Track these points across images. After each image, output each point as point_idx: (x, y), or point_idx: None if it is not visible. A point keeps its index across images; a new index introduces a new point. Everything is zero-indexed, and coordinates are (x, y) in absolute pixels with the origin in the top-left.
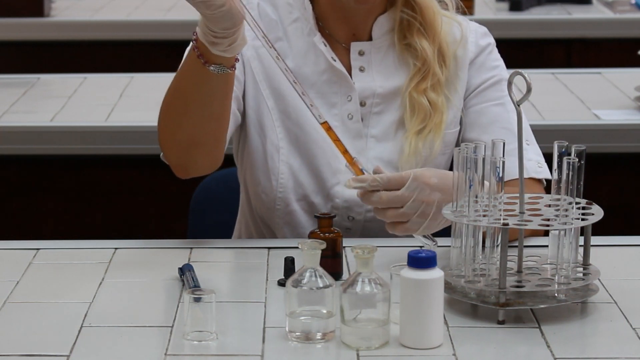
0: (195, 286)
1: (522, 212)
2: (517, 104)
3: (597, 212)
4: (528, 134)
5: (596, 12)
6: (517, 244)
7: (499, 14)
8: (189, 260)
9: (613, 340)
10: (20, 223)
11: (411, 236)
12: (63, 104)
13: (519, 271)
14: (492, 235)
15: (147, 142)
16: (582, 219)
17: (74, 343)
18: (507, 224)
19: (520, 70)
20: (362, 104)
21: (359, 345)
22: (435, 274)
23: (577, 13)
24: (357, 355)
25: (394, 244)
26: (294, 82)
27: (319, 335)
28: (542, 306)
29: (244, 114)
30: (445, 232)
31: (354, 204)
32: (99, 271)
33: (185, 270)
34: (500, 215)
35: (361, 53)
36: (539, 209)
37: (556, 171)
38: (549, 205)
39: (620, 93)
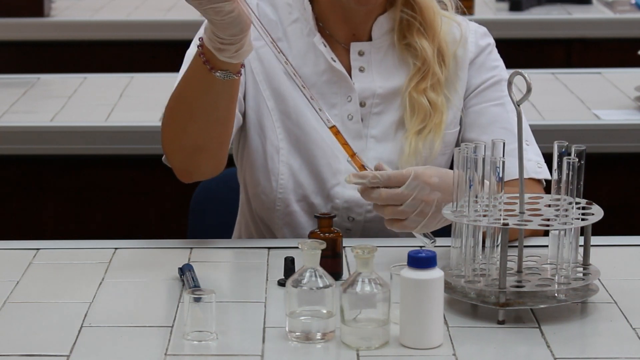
0: (195, 286)
1: (522, 212)
2: (517, 104)
3: (597, 212)
4: (528, 134)
5: (596, 12)
6: (517, 244)
7: (499, 14)
8: (189, 260)
9: (613, 340)
10: (20, 223)
11: (411, 234)
12: (63, 104)
13: (519, 271)
14: (492, 235)
15: (147, 142)
16: (582, 219)
17: (74, 343)
18: (507, 224)
19: (520, 70)
20: (362, 105)
21: (359, 345)
22: (435, 274)
23: (577, 13)
24: (357, 355)
25: (394, 244)
26: (302, 87)
27: (319, 335)
28: (542, 306)
29: (244, 115)
30: (445, 232)
31: (354, 204)
32: (99, 271)
33: (185, 270)
34: (500, 215)
35: (361, 53)
36: (539, 209)
37: (556, 171)
38: (549, 205)
39: (620, 93)
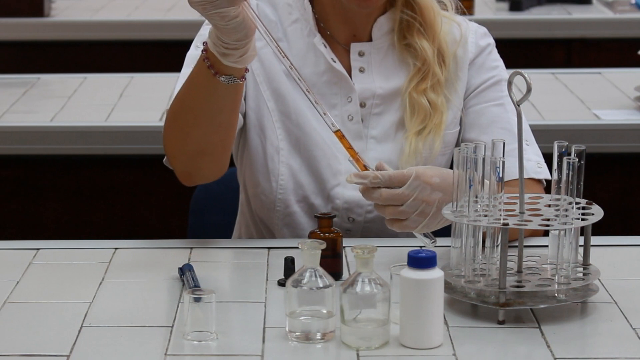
0: (195, 286)
1: (522, 212)
2: (517, 104)
3: (597, 212)
4: (528, 135)
5: (596, 12)
6: (517, 244)
7: (499, 14)
8: (189, 260)
9: (613, 340)
10: (20, 223)
11: (411, 234)
12: (63, 104)
13: (519, 271)
14: (492, 235)
15: (147, 142)
16: (582, 219)
17: (74, 343)
18: (507, 224)
19: (520, 70)
20: (362, 105)
21: (359, 345)
22: (435, 274)
23: (577, 13)
24: (357, 355)
25: (394, 244)
26: (307, 91)
27: (319, 335)
28: (542, 306)
29: (244, 115)
30: (445, 232)
31: (354, 205)
32: (99, 271)
33: (185, 270)
34: (500, 215)
35: (361, 54)
36: (539, 209)
37: (556, 171)
38: (549, 205)
39: (620, 93)
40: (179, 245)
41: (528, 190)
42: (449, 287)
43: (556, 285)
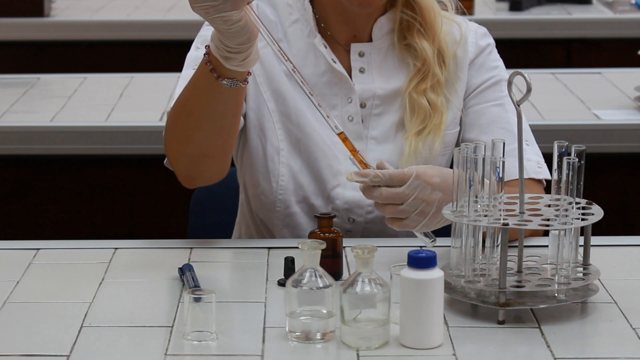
0: (195, 286)
1: (522, 212)
2: (517, 104)
3: (597, 212)
4: (528, 135)
5: (596, 12)
6: (517, 244)
7: (499, 14)
8: (189, 260)
9: (613, 340)
10: (20, 223)
11: (411, 234)
12: (63, 104)
13: (519, 271)
14: (492, 235)
15: (147, 142)
16: (582, 219)
17: (74, 343)
18: (507, 224)
19: (520, 70)
20: (362, 106)
21: (359, 345)
22: (435, 274)
23: (577, 13)
24: (357, 355)
25: (394, 244)
26: (310, 94)
27: (318, 335)
28: (542, 306)
29: (244, 116)
30: (445, 232)
31: (355, 205)
32: (99, 271)
33: (185, 270)
34: (500, 215)
35: (361, 54)
36: (539, 209)
37: (556, 171)
38: (549, 205)
39: (620, 93)
40: (179, 245)
41: (528, 190)
42: (449, 287)
43: (556, 285)
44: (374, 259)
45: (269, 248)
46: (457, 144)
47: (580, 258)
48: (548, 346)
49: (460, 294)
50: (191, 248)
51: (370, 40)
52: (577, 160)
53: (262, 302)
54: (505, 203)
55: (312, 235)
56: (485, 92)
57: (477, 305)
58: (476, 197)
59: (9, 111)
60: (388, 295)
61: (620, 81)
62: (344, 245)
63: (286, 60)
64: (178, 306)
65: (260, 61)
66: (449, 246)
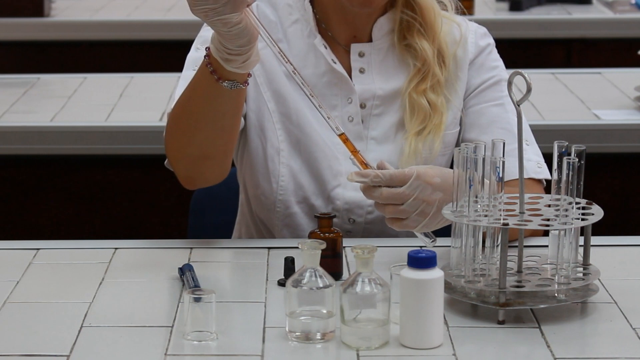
0: (195, 286)
1: (522, 212)
2: (517, 104)
3: (597, 212)
4: (528, 134)
5: (596, 12)
6: (517, 244)
7: (499, 14)
8: (189, 260)
9: (613, 340)
10: (20, 223)
11: (411, 234)
12: (63, 104)
13: (519, 271)
14: (492, 235)
15: (147, 142)
16: (582, 219)
17: (74, 343)
18: (507, 224)
19: (520, 70)
20: (362, 106)
21: (359, 345)
22: (435, 274)
23: (577, 13)
24: (357, 355)
25: (394, 244)
26: (310, 96)
27: (318, 335)
28: (542, 306)
29: (244, 116)
30: (445, 232)
31: (355, 206)
32: (99, 271)
33: (185, 270)
34: (500, 215)
35: (361, 54)
36: (539, 209)
37: (556, 171)
38: (549, 205)
39: (620, 93)
40: (179, 245)
41: (528, 190)
42: (449, 287)
43: (556, 285)
44: (374, 259)
45: (269, 248)
46: (457, 144)
47: (580, 258)
48: (548, 346)
49: (460, 294)
50: (191, 248)
51: (370, 40)
52: (577, 160)
53: (262, 302)
54: (505, 203)
55: (312, 235)
56: (485, 92)
57: (477, 305)
58: (476, 197)
59: (9, 111)
60: (388, 295)
61: (620, 81)
62: (344, 245)
63: (286, 62)
64: (178, 306)
65: (261, 62)
66: (449, 246)
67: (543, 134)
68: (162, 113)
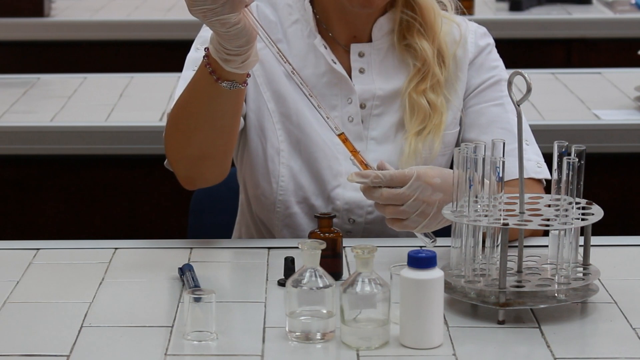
0: (195, 286)
1: (522, 212)
2: (517, 104)
3: (597, 212)
4: (527, 134)
5: (596, 12)
6: (517, 244)
7: (499, 14)
8: (189, 260)
9: (613, 340)
10: (20, 223)
11: (411, 234)
12: (63, 104)
13: (519, 271)
14: (492, 235)
15: (147, 142)
16: (582, 219)
17: (74, 343)
18: (507, 224)
19: (520, 70)
20: (362, 106)
21: (359, 345)
22: (435, 274)
23: (577, 13)
24: (357, 355)
25: (394, 244)
26: (309, 96)
27: (318, 335)
28: (542, 306)
29: (244, 117)
30: (445, 232)
31: (355, 206)
32: (99, 271)
33: (185, 270)
34: (500, 215)
35: (361, 54)
36: (539, 209)
37: (556, 171)
38: (549, 205)
39: (620, 93)
40: (179, 245)
41: (528, 189)
42: (449, 287)
43: (556, 285)
44: (374, 259)
45: (269, 248)
46: (457, 144)
47: (580, 258)
48: (548, 346)
49: (460, 294)
50: (191, 248)
51: (370, 40)
52: (577, 160)
53: (262, 302)
54: (505, 203)
55: (312, 235)
56: (485, 91)
57: (477, 305)
58: (476, 197)
59: (9, 111)
60: (388, 295)
61: (620, 81)
62: (344, 245)
63: (285, 62)
64: (178, 306)
65: (261, 62)
66: (449, 246)
67: (543, 134)
68: (162, 113)
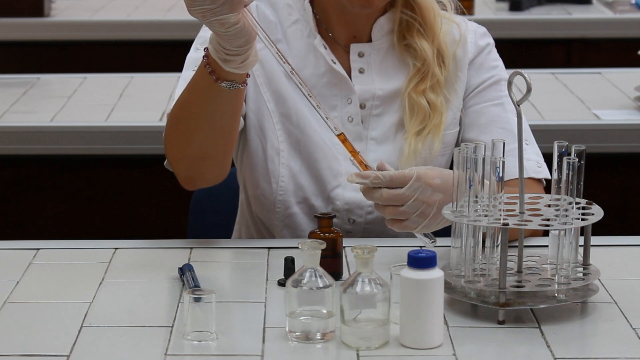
0: (195, 286)
1: (522, 212)
2: (517, 104)
3: (597, 212)
4: (527, 134)
5: (596, 12)
6: (517, 244)
7: (499, 14)
8: (189, 260)
9: (613, 340)
10: (20, 223)
11: (411, 235)
12: (63, 104)
13: (519, 271)
14: (492, 235)
15: (147, 142)
16: (582, 219)
17: (74, 343)
18: (507, 224)
19: (520, 70)
20: (362, 107)
21: (359, 345)
22: (435, 274)
23: (577, 13)
24: (357, 355)
25: (394, 244)
26: (309, 96)
27: (318, 335)
28: (542, 306)
29: (244, 117)
30: (445, 232)
31: (355, 206)
32: (99, 271)
33: (185, 270)
34: (500, 215)
35: (361, 54)
36: (539, 209)
37: (556, 171)
38: (549, 205)
39: (620, 93)
40: (179, 245)
41: (528, 189)
42: (449, 287)
43: (556, 285)
44: (374, 259)
45: (269, 248)
46: (457, 144)
47: (580, 258)
48: (548, 346)
49: (460, 294)
50: (191, 248)
51: (369, 40)
52: (577, 160)
53: (262, 302)
54: (505, 203)
55: (312, 235)
56: (484, 91)
57: (477, 305)
58: (476, 197)
59: (9, 111)
60: (388, 295)
61: (620, 81)
62: (344, 245)
63: (284, 62)
64: (178, 306)
65: (261, 62)
66: (449, 246)
67: (543, 134)
68: (162, 113)
